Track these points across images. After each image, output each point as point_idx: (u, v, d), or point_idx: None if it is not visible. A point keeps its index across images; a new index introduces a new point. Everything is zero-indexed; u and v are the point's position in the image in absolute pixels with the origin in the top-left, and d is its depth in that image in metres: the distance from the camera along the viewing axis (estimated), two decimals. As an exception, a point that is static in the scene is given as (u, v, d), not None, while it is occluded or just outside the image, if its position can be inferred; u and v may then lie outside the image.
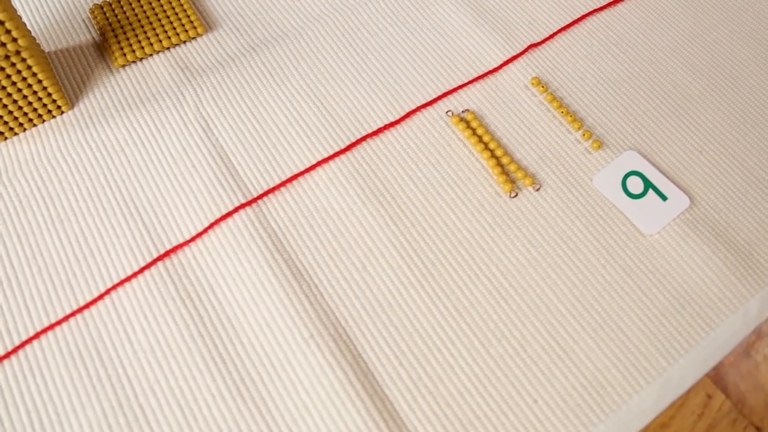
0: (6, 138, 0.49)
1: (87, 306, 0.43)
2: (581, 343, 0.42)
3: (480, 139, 0.49)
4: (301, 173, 0.48)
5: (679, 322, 0.43)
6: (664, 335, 0.43)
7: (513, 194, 0.47)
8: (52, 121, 0.50)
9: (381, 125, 0.50)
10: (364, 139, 0.49)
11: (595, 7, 0.56)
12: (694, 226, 0.46)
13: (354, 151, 0.49)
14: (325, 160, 0.48)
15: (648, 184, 0.47)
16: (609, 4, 0.56)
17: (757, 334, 0.44)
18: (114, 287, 0.44)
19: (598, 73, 0.53)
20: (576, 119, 0.50)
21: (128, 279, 0.44)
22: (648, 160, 0.49)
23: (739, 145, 0.50)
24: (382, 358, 0.42)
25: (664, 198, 0.47)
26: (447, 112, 0.50)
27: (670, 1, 0.57)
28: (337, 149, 0.49)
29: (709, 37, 0.55)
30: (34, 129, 0.50)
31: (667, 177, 0.48)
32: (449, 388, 0.41)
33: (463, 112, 0.51)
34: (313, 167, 0.48)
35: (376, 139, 0.50)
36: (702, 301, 0.44)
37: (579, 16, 0.56)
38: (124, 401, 0.40)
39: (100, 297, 0.43)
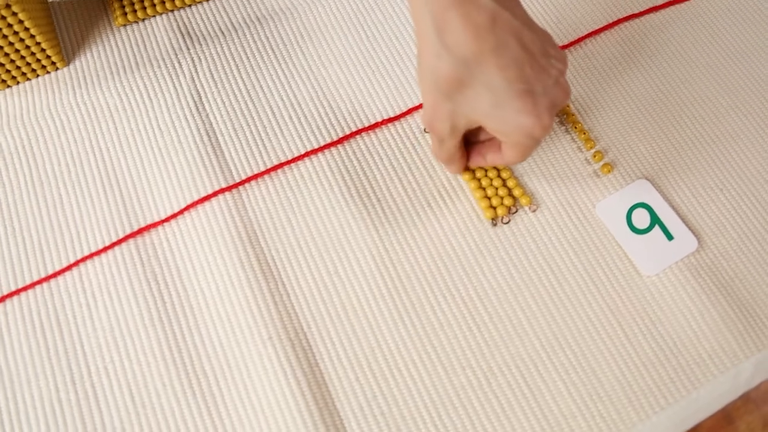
0: (-2, 90, 0.48)
1: (54, 275, 0.43)
2: (550, 384, 0.40)
3: (481, 147, 0.46)
4: (288, 162, 0.45)
5: (660, 375, 0.40)
6: (641, 387, 0.40)
7: (494, 223, 0.44)
8: (46, 76, 0.49)
9: (379, 119, 0.47)
10: (358, 132, 0.46)
11: (633, 12, 0.51)
12: (696, 272, 0.42)
13: (346, 144, 0.46)
14: (315, 151, 0.46)
15: (655, 220, 0.44)
16: (649, 11, 0.51)
17: (744, 399, 0.41)
18: (83, 259, 0.43)
19: (623, 87, 0.48)
20: (589, 138, 0.46)
21: (98, 253, 0.43)
22: (660, 192, 0.45)
23: (765, 189, 0.45)
24: (339, 370, 0.40)
25: (670, 237, 0.43)
26: (425, 129, 0.47)
27: (720, 14, 0.51)
28: (329, 140, 0.46)
29: (755, 60, 0.49)
30: (27, 83, 0.49)
31: (678, 214, 0.44)
32: (403, 412, 0.39)
33: (468, 115, 0.47)
34: (300, 157, 0.46)
35: (372, 134, 0.47)
36: (690, 356, 0.40)
37: (613, 20, 0.50)
38: (78, 378, 0.40)
39: (68, 268, 0.43)
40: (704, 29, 0.50)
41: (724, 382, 0.40)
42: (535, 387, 0.40)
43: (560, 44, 0.50)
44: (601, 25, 0.50)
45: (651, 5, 0.51)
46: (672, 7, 0.51)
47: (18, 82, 0.48)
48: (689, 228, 0.43)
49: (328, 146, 0.46)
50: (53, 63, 0.48)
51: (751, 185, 0.45)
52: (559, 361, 0.40)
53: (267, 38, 0.50)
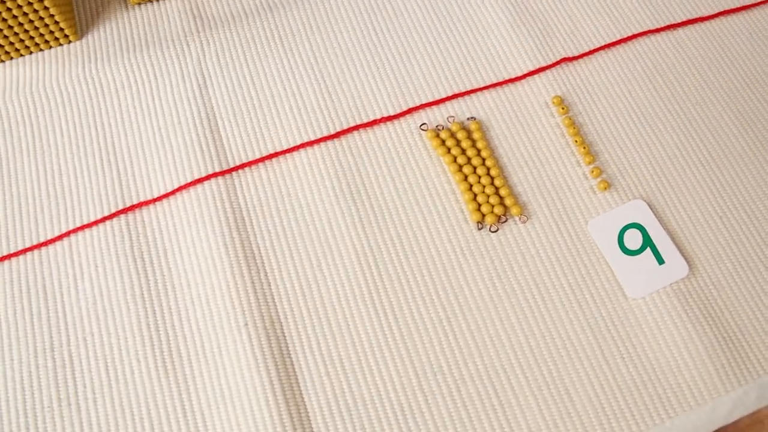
0: (11, 58, 0.49)
1: (46, 243, 0.43)
2: (521, 398, 0.39)
3: (478, 153, 0.45)
4: (283, 152, 0.46)
5: (635, 401, 0.39)
6: (613, 411, 0.39)
7: (479, 227, 0.43)
8: (58, 48, 0.50)
9: (378, 117, 0.47)
10: (356, 128, 0.46)
11: (651, 28, 0.50)
12: (684, 299, 0.41)
13: (343, 139, 0.46)
14: (310, 143, 0.46)
15: (647, 242, 0.43)
16: (666, 28, 0.50)
17: (720, 435, 0.40)
18: (75, 230, 0.44)
19: (631, 104, 0.47)
20: (589, 152, 0.45)
21: (89, 225, 0.44)
22: (656, 214, 0.44)
23: (767, 220, 0.43)
24: (311, 364, 0.40)
25: (661, 261, 0.42)
26: (421, 126, 0.46)
27: (740, 37, 0.49)
28: (326, 134, 0.46)
29: (773, 87, 0.48)
30: (39, 53, 0.50)
31: (672, 238, 0.43)
32: (369, 412, 0.39)
33: (468, 119, 0.47)
34: (296, 148, 0.46)
35: (369, 131, 0.47)
36: (668, 384, 0.39)
37: (629, 35, 0.49)
38: (57, 345, 0.41)
39: (59, 237, 0.44)
40: (722, 51, 0.49)
41: (700, 415, 0.39)
42: (506, 400, 0.39)
43: (571, 55, 0.49)
44: (615, 39, 0.49)
45: (669, 22, 0.50)
46: (691, 26, 0.50)
47: (31, 52, 0.49)
48: (682, 253, 0.42)
49: (324, 139, 0.46)
50: (66, 36, 0.49)
51: (753, 216, 0.44)
52: (532, 375, 0.40)
53: (276, 26, 0.50)
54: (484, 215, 0.43)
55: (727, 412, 0.39)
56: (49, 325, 0.41)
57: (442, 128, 0.46)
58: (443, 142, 0.45)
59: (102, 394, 0.40)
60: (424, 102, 0.47)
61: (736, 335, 0.40)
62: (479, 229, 0.43)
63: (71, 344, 0.41)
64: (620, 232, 0.43)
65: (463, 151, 0.45)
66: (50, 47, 0.50)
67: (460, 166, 0.45)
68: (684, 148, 0.46)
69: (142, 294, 0.42)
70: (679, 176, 0.45)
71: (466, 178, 0.44)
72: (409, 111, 0.47)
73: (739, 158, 0.45)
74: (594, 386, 0.39)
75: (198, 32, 0.50)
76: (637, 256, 0.42)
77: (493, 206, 0.43)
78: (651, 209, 0.44)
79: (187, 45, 0.50)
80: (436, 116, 0.47)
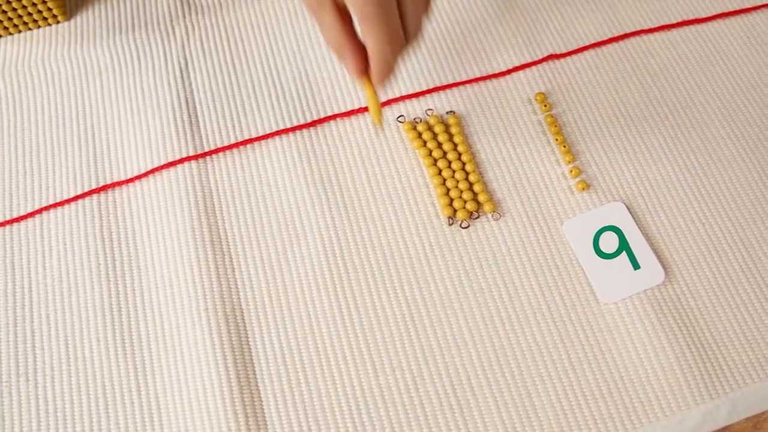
0: (0, 36, 0.50)
1: (17, 220, 0.44)
2: (480, 399, 0.38)
3: (455, 147, 0.44)
4: (257, 138, 0.45)
5: (600, 409, 0.38)
6: (576, 419, 0.37)
7: (450, 222, 0.42)
8: (46, 28, 0.50)
9: (356, 107, 0.46)
10: (332, 117, 0.46)
11: (644, 28, 0.48)
12: (659, 307, 0.40)
13: (318, 128, 0.46)
14: (286, 131, 0.45)
15: (623, 246, 0.41)
16: (660, 28, 0.48)
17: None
18: (47, 208, 0.44)
19: (617, 104, 0.46)
20: (570, 151, 0.44)
21: (61, 204, 0.44)
22: (635, 218, 0.42)
23: (752, 230, 0.42)
24: (269, 352, 0.40)
25: (636, 266, 0.41)
26: (398, 118, 0.45)
27: (734, 41, 0.48)
28: (303, 122, 0.46)
29: (766, 94, 0.46)
30: (27, 33, 0.50)
31: (650, 243, 0.41)
32: (324, 404, 0.38)
33: (447, 113, 0.46)
34: (271, 135, 0.45)
35: (346, 120, 0.46)
36: (635, 394, 0.38)
37: (621, 33, 0.48)
38: (20, 321, 0.41)
39: (32, 214, 0.44)
40: (717, 54, 0.47)
41: (666, 426, 0.37)
42: (464, 400, 0.38)
43: (561, 52, 0.48)
44: (606, 38, 0.48)
45: (663, 23, 0.48)
46: (686, 27, 0.48)
47: (20, 31, 0.50)
48: (659, 259, 0.41)
49: (299, 127, 0.45)
50: (54, 16, 0.50)
51: (737, 224, 0.42)
52: (494, 377, 0.39)
53: (262, 14, 0.50)
54: (455, 210, 0.42)
55: (695, 425, 0.37)
56: (14, 299, 0.42)
57: (420, 121, 0.45)
58: (419, 135, 0.45)
59: (60, 371, 0.40)
60: (404, 94, 0.47)
61: (710, 346, 0.39)
62: (450, 224, 0.42)
63: (34, 320, 0.41)
64: (596, 234, 0.42)
65: (439, 145, 0.44)
66: (39, 27, 0.50)
67: (435, 160, 0.44)
68: (669, 151, 0.44)
69: (107, 274, 0.42)
70: (662, 180, 0.43)
71: (440, 172, 0.43)
72: (388, 102, 0.46)
73: (726, 164, 0.44)
74: (557, 391, 0.38)
75: (184, 16, 0.50)
76: (612, 259, 0.41)
77: (465, 202, 0.42)
78: (630, 212, 0.42)
79: (172, 28, 0.50)
80: (415, 109, 0.46)
